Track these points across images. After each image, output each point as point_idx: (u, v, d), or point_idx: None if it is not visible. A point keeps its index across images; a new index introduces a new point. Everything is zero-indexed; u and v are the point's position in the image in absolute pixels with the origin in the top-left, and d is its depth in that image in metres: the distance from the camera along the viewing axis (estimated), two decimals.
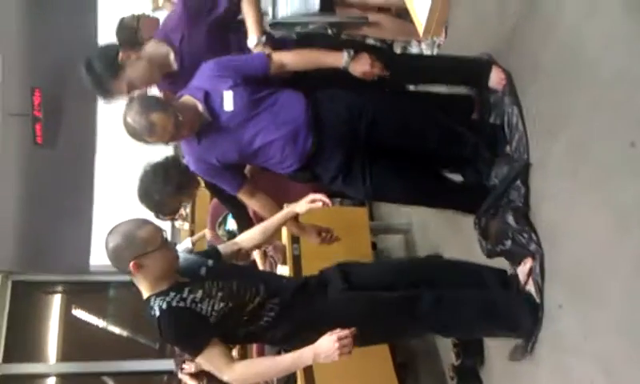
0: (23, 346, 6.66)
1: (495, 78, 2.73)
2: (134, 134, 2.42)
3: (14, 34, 6.34)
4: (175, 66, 2.71)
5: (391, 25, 3.56)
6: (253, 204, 2.78)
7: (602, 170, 2.13)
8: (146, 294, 2.19)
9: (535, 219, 2.52)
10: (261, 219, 3.53)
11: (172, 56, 2.70)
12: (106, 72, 2.60)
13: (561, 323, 2.30)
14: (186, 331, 2.15)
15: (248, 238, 2.51)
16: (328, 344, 2.06)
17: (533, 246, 2.48)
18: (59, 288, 7.14)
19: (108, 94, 2.67)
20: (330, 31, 3.19)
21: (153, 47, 2.72)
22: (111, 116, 5.60)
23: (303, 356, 2.12)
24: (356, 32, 3.42)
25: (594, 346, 2.11)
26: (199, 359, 2.17)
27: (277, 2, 3.20)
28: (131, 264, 2.12)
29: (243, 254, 2.52)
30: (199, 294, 2.16)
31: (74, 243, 6.55)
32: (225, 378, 2.15)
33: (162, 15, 3.79)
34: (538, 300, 2.39)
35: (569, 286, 2.28)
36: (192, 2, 2.69)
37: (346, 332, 2.05)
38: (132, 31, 3.31)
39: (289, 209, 2.51)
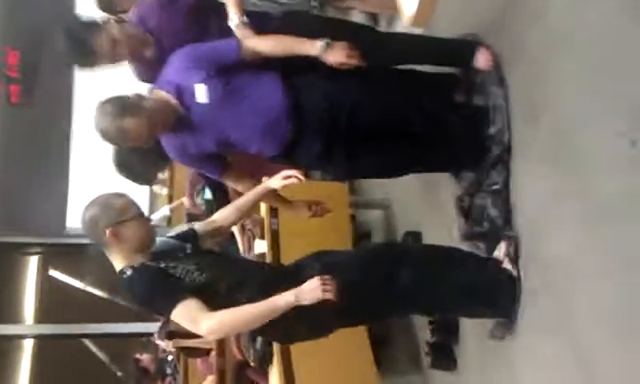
0: (1, 308, 6.63)
1: (482, 58, 2.67)
2: (108, 139, 2.36)
3: None
4: (152, 49, 2.58)
5: None
6: (238, 187, 2.74)
7: (583, 159, 2.11)
8: (119, 266, 2.16)
9: (514, 203, 2.52)
10: (240, 194, 3.53)
11: (150, 39, 2.57)
12: (86, 31, 2.47)
13: (536, 307, 2.32)
14: (160, 286, 2.11)
15: (224, 216, 2.48)
16: (311, 283, 2.07)
17: (509, 231, 2.49)
18: (36, 249, 7.09)
19: (85, 63, 2.55)
20: (314, 3, 3.10)
21: (129, 28, 2.58)
22: (88, 79, 5.54)
23: (284, 296, 2.08)
24: (341, 4, 3.35)
25: (569, 330, 2.13)
26: (174, 316, 2.08)
27: None
28: (107, 231, 2.11)
29: (222, 230, 2.50)
30: (174, 263, 2.16)
31: (50, 205, 6.49)
32: (203, 327, 2.05)
33: None
34: (515, 276, 2.41)
35: (545, 272, 2.29)
36: None
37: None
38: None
39: (263, 185, 2.49)
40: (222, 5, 2.53)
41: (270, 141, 2.48)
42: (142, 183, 3.15)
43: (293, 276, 2.27)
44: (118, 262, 2.17)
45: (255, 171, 2.75)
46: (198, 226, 2.44)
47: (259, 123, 2.43)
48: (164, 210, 5.32)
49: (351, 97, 2.50)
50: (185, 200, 4.57)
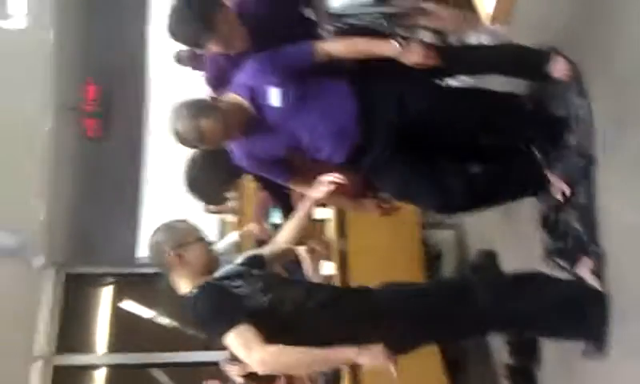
0: (75, 338, 6.77)
1: (558, 67, 2.59)
2: (184, 141, 2.39)
3: (72, 27, 6.43)
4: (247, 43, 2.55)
5: (448, 14, 3.44)
6: (305, 192, 2.72)
7: None
8: (182, 289, 2.17)
9: (601, 219, 2.39)
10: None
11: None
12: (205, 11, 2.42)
13: (627, 329, 2.16)
14: (220, 305, 2.09)
15: (284, 236, 2.49)
16: (375, 350, 2.01)
17: (595, 247, 2.37)
18: (109, 280, 7.24)
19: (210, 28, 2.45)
20: (384, 23, 3.07)
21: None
22: (161, 112, 5.70)
23: (345, 351, 2.03)
24: (412, 23, 3.31)
25: None
26: (229, 340, 2.03)
27: None
28: (171, 253, 2.15)
29: (287, 252, 2.52)
30: (239, 281, 2.15)
31: (122, 236, 6.64)
32: (254, 355, 1.99)
33: None
34: (603, 293, 2.28)
35: (634, 292, 2.13)
36: None
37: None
38: None
39: (307, 198, 2.47)
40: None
41: (340, 146, 2.47)
42: (213, 203, 3.16)
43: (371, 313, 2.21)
44: (183, 287, 2.18)
45: None
46: (263, 250, 2.43)
47: (330, 128, 2.43)
48: (233, 236, 5.34)
49: (423, 102, 2.46)
50: (253, 226, 4.58)
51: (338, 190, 2.43)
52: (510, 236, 3.11)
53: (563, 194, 2.50)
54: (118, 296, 7.36)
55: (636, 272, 2.14)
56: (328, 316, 2.17)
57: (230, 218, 6.45)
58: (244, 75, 2.45)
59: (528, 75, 2.77)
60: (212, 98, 2.43)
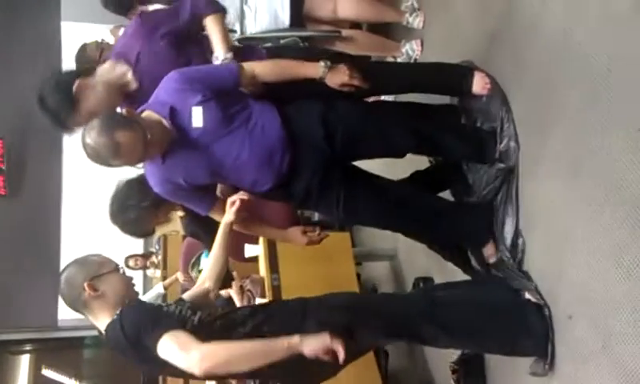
0: None
1: (479, 83, 2.60)
2: (97, 156, 2.13)
3: None
4: (134, 84, 2.49)
5: (365, 40, 3.45)
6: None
7: (605, 164, 1.96)
8: (103, 325, 1.96)
9: (529, 231, 2.37)
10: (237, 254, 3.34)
11: (130, 74, 2.48)
12: (62, 107, 2.38)
13: (573, 334, 2.10)
14: (149, 317, 1.90)
15: (207, 274, 2.32)
16: (319, 338, 1.81)
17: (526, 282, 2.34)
18: (27, 347, 6.78)
19: (67, 129, 2.44)
20: (302, 45, 3.02)
21: (107, 69, 2.50)
22: (77, 165, 5.43)
23: (288, 339, 1.82)
24: (329, 47, 3.27)
25: (612, 352, 1.92)
26: (161, 348, 1.80)
27: (245, 18, 3.04)
28: (85, 285, 1.96)
29: (212, 289, 2.31)
30: (164, 304, 2.06)
31: (40, 297, 6.23)
32: (193, 354, 1.77)
33: None
34: (541, 304, 2.23)
35: (576, 297, 2.09)
36: (149, 16, 2.51)
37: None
38: (93, 62, 3.04)
39: (222, 224, 2.35)
40: (205, 37, 2.43)
41: (266, 171, 2.32)
42: (139, 234, 2.90)
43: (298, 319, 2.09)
44: (102, 322, 1.97)
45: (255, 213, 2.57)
46: (186, 295, 2.24)
47: (256, 152, 2.28)
48: (158, 288, 5.10)
49: (348, 122, 2.37)
50: (179, 275, 4.37)
51: (255, 214, 2.32)
52: (445, 265, 3.03)
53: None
54: (39, 363, 6.92)
55: (573, 284, 2.10)
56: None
57: (154, 272, 6.20)
58: (161, 93, 2.27)
59: (450, 91, 2.75)
60: (128, 111, 2.22)
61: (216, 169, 2.29)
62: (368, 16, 3.51)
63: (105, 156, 2.12)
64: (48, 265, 6.36)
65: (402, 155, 2.55)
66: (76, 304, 1.99)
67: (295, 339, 1.81)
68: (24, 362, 6.86)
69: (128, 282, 2.07)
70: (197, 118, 2.21)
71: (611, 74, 1.95)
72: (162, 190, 2.36)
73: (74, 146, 5.94)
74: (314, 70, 2.31)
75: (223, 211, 2.37)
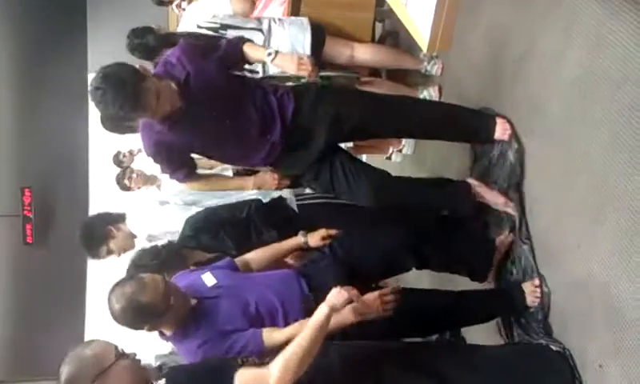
0: None
1: (500, 129, 2.57)
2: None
3: (4, 134, 6.28)
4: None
5: (384, 84, 3.45)
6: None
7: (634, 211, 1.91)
8: None
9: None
10: None
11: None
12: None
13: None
14: (205, 369, 1.93)
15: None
16: (334, 292, 1.98)
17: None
18: None
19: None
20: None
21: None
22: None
23: (319, 312, 1.93)
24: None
25: None
26: None
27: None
28: None
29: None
30: None
31: (64, 347, 6.23)
32: (272, 380, 1.76)
33: None
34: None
35: (606, 346, 2.03)
36: (189, 45, 2.54)
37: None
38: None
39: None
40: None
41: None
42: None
43: None
44: None
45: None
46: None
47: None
48: None
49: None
50: None
51: None
52: None
53: None
54: None
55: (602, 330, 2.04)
56: None
57: None
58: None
59: (474, 139, 2.73)
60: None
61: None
62: (385, 62, 3.52)
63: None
64: (73, 313, 6.40)
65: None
66: None
67: (322, 308, 1.92)
68: None
69: (138, 366, 1.85)
70: None
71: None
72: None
73: (100, 193, 6.01)
74: (296, 241, 2.59)
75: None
